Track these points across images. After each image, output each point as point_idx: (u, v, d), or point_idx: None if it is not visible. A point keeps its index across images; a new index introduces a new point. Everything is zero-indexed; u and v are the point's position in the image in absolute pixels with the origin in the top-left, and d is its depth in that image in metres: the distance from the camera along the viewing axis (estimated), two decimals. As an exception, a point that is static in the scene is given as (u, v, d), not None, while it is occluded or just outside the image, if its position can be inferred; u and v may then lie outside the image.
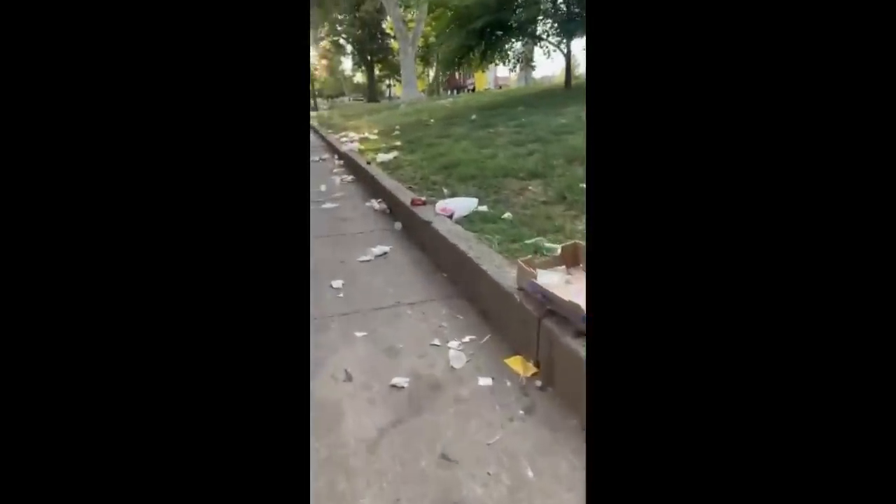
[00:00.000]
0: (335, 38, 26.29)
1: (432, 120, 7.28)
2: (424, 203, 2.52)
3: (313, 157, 5.77)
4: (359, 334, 1.51)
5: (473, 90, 22.38)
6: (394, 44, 23.95)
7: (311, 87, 20.90)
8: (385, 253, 2.27)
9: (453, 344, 1.42)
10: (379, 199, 3.23)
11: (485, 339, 1.45)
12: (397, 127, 7.11)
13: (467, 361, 1.33)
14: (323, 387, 1.25)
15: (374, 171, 3.76)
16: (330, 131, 8.17)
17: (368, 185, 3.79)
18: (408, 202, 2.66)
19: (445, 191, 2.90)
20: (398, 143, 5.26)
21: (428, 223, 2.18)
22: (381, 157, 4.23)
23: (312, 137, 8.80)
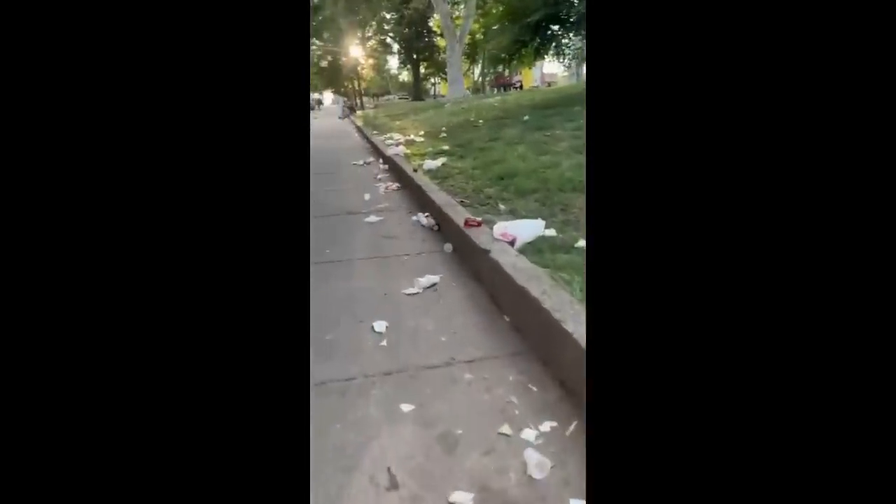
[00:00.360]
0: (382, 37, 26.42)
1: (481, 121, 6.92)
2: (480, 224, 2.18)
3: (357, 161, 5.57)
4: (405, 408, 1.20)
5: (520, 87, 21.79)
6: (440, 41, 23.77)
7: (358, 86, 21.09)
8: (434, 284, 1.95)
9: (529, 434, 1.08)
10: (426, 214, 2.93)
11: (571, 429, 1.09)
12: (444, 128, 6.82)
13: (552, 467, 0.99)
14: (360, 497, 0.95)
15: (421, 179, 3.46)
16: (375, 132, 7.99)
17: (415, 195, 3.50)
18: (459, 220, 2.33)
19: (502, 207, 2.55)
20: (446, 146, 4.95)
21: (486, 252, 1.84)
22: (429, 163, 3.93)
23: (357, 139, 8.67)
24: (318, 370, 1.36)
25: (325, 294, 1.90)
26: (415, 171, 3.83)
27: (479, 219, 2.22)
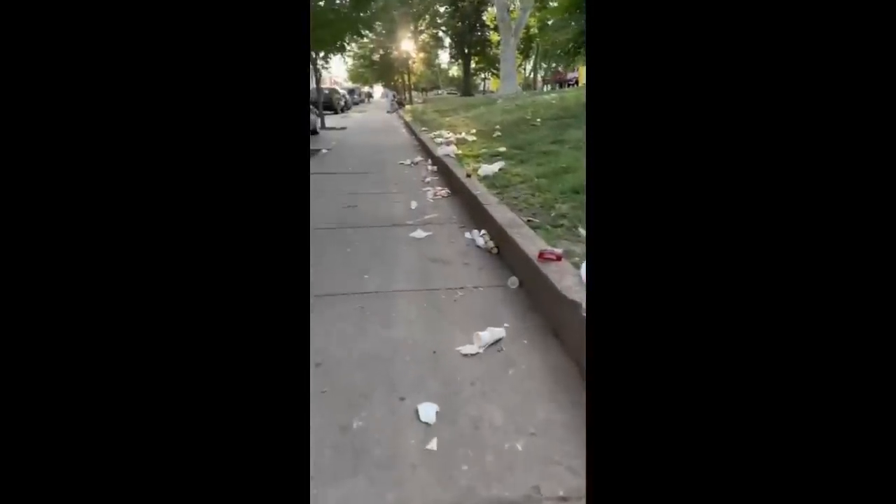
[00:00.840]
0: (434, 31, 26.05)
1: (539, 119, 6.33)
2: (560, 259, 1.68)
3: (404, 160, 5.17)
4: None
5: (576, 84, 20.80)
6: (493, 35, 23.16)
7: (407, 80, 20.86)
8: (500, 340, 1.48)
9: None
10: (483, 232, 2.45)
11: None
12: (498, 127, 6.29)
13: None
14: None
15: (476, 188, 2.98)
16: (423, 129, 7.59)
17: (468, 205, 3.02)
18: (527, 246, 1.84)
19: (584, 231, 2.03)
20: (502, 147, 4.44)
21: (575, 307, 1.34)
22: (484, 168, 3.44)
23: (405, 135, 8.30)
24: (338, 490, 0.92)
25: (360, 346, 1.47)
26: (468, 176, 3.35)
27: (559, 251, 1.71)
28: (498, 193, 2.81)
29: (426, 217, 2.94)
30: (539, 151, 3.93)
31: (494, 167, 3.44)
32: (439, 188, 3.73)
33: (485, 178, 3.25)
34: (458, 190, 3.46)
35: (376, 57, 24.21)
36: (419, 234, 2.58)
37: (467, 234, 2.54)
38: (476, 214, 2.78)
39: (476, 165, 3.73)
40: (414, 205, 3.22)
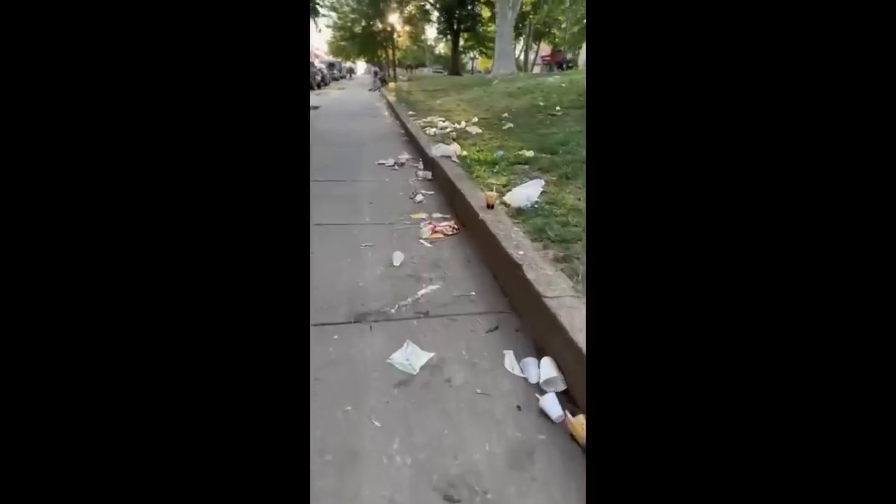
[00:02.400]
0: (421, 3, 24.03)
1: (558, 108, 5.00)
2: None
3: (385, 160, 3.77)
4: None
5: (571, 66, 19.37)
6: (484, 11, 21.42)
7: (392, 56, 19.07)
8: None
9: None
10: (550, 372, 1.13)
11: None
12: (506, 115, 4.93)
13: None
14: None
15: (511, 236, 1.66)
16: (411, 113, 6.14)
17: (496, 266, 1.70)
18: None
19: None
20: (527, 151, 3.09)
21: None
22: (517, 194, 2.08)
23: (388, 119, 6.81)
24: None
25: None
26: (490, 206, 2.02)
27: None
28: (560, 260, 1.49)
29: (420, 293, 1.60)
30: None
31: (532, 190, 2.10)
32: (437, 216, 2.38)
33: (522, 215, 1.92)
34: (469, 222, 2.13)
35: (358, 29, 22.22)
36: (408, 355, 1.24)
37: (509, 362, 1.22)
38: (518, 295, 1.46)
39: (497, 183, 2.39)
40: (398, 259, 1.86)
